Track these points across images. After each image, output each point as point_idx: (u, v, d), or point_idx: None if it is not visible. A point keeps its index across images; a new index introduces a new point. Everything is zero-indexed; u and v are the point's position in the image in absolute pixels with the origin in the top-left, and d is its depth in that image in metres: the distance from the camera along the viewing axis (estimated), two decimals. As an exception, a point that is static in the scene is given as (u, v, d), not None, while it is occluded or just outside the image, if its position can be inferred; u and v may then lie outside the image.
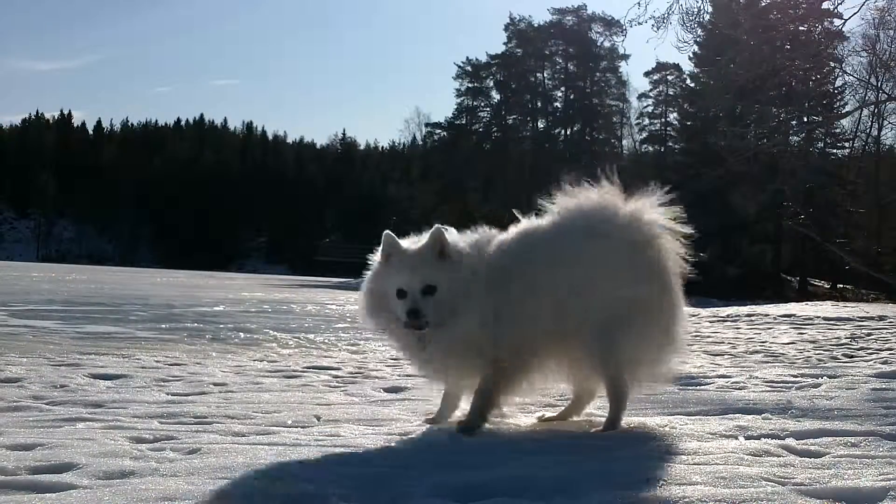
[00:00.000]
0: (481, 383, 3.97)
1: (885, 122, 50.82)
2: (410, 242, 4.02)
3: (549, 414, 4.45)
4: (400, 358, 7.92)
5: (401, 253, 3.92)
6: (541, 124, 71.47)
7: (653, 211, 4.22)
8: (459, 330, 3.83)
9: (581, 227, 4.07)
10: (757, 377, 6.22)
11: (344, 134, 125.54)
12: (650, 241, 4.15)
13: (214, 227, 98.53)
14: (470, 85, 71.14)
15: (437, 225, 3.94)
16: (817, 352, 9.12)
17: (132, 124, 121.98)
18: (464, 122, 72.10)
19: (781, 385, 5.75)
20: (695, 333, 12.13)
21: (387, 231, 4.00)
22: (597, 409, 4.44)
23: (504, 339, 3.89)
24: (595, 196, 4.18)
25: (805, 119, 29.01)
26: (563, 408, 4.48)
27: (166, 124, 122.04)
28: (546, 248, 4.02)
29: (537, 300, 3.93)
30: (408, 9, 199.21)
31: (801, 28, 16.93)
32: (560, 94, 71.59)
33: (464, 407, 4.18)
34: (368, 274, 4.07)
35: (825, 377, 6.09)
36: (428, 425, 4.10)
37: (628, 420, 4.28)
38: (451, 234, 4.00)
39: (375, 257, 4.05)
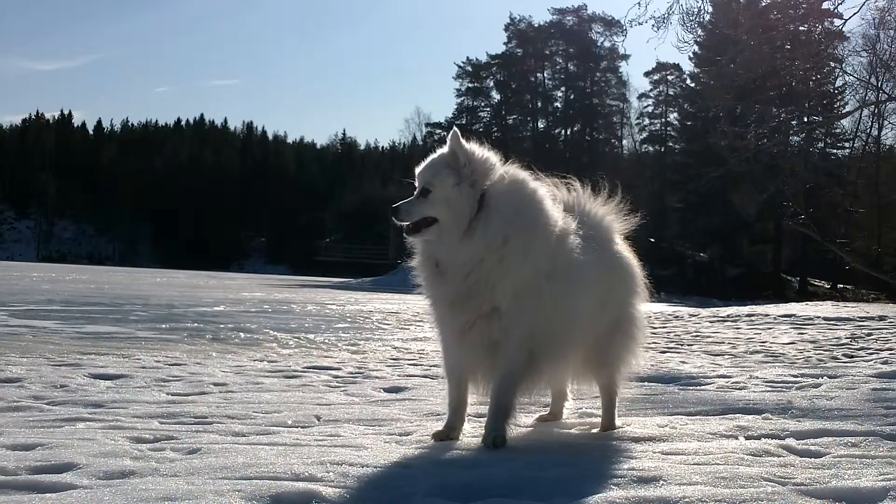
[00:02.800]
0: (498, 383, 3.58)
1: (886, 122, 50.85)
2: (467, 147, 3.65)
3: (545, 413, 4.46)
4: (400, 359, 7.94)
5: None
6: (541, 124, 71.57)
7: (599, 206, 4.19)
8: (465, 252, 3.46)
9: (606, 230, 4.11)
10: (757, 377, 6.22)
11: (344, 134, 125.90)
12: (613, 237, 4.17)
13: (214, 227, 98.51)
14: (470, 85, 71.30)
15: (454, 129, 3.68)
16: (817, 352, 9.12)
17: (132, 124, 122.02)
18: (464, 122, 72.10)
19: (781, 385, 5.74)
20: (695, 333, 12.13)
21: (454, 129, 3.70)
22: (596, 409, 4.44)
23: (553, 317, 3.58)
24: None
25: (805, 119, 29.00)
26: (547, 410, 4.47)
27: (166, 124, 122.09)
28: (600, 242, 3.93)
29: (591, 289, 3.77)
30: (408, 9, 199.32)
31: (801, 28, 16.91)
32: (560, 94, 71.74)
33: (471, 413, 3.93)
34: None
35: (825, 377, 6.09)
36: (436, 441, 3.67)
37: (629, 420, 4.28)
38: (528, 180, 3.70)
39: None
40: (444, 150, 3.63)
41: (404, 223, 3.57)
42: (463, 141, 3.59)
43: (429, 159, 3.66)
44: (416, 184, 3.62)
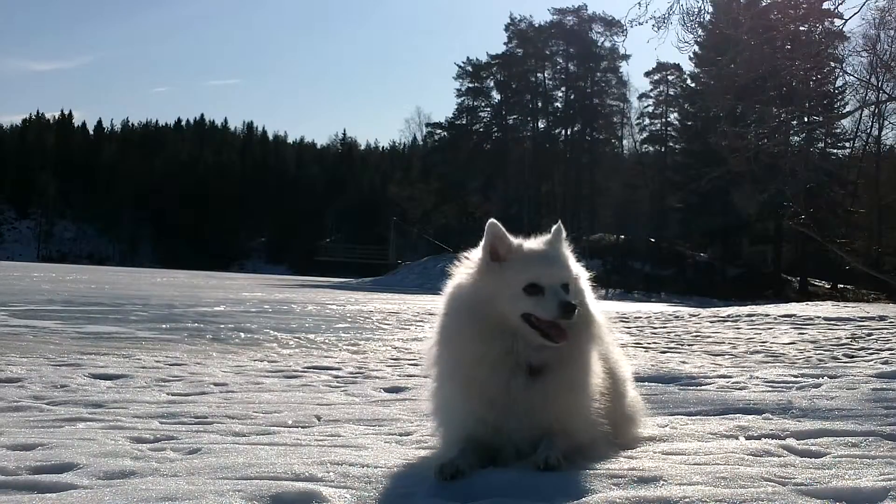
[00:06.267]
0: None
1: (886, 123, 51.00)
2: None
3: None
4: (400, 359, 7.93)
5: (519, 247, 3.14)
6: (541, 124, 71.56)
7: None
8: (587, 356, 3.18)
9: None
10: (757, 377, 6.22)
11: (344, 134, 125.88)
12: None
13: (215, 227, 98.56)
14: (470, 85, 71.28)
15: (559, 222, 3.27)
16: (818, 352, 9.12)
17: (132, 124, 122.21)
18: (464, 122, 72.19)
19: (782, 385, 5.74)
20: (695, 333, 12.13)
21: (492, 220, 3.13)
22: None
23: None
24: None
25: (805, 119, 29.02)
26: None
27: (166, 124, 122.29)
28: None
29: None
30: (408, 9, 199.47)
31: (801, 28, 16.91)
32: (560, 94, 71.73)
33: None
34: (460, 280, 3.19)
35: (826, 377, 6.09)
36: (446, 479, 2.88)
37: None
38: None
39: (473, 256, 3.21)
40: (553, 237, 3.24)
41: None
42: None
43: (546, 248, 3.20)
44: (548, 273, 3.07)
